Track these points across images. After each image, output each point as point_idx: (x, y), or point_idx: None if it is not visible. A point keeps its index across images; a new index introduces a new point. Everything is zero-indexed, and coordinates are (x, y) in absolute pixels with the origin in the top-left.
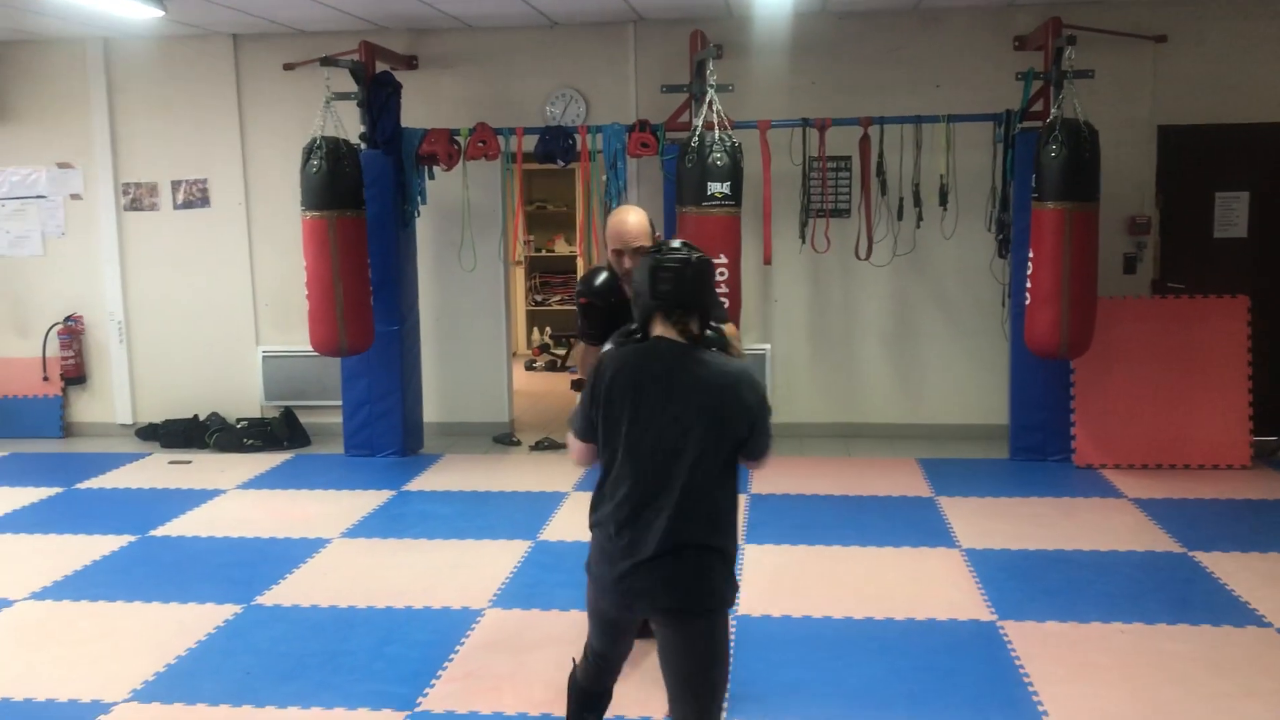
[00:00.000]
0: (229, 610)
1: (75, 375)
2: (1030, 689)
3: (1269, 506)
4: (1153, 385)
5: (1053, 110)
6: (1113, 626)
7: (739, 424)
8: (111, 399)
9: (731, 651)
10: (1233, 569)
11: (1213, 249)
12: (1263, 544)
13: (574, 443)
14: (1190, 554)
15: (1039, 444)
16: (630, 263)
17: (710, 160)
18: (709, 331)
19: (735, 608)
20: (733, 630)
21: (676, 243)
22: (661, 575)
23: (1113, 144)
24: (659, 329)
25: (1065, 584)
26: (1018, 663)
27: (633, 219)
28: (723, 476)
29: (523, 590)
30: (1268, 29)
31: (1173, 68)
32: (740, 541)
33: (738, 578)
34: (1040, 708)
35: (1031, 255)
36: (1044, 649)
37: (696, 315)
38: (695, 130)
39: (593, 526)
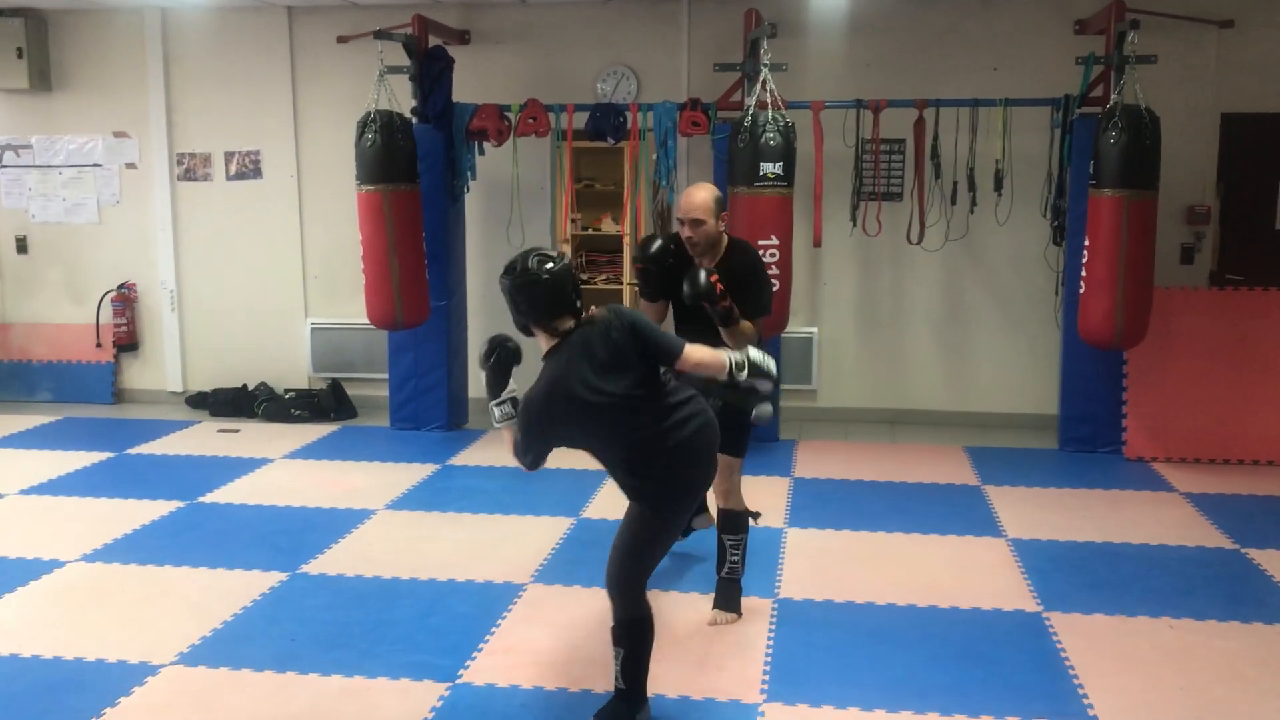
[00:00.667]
0: (274, 578)
1: (127, 342)
2: (1076, 681)
3: None
4: (1207, 378)
5: (1113, 96)
6: (1161, 621)
7: (631, 354)
8: (162, 366)
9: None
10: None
11: (1274, 241)
12: None
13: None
14: (1243, 551)
15: (1089, 435)
16: (687, 232)
17: (763, 140)
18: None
19: None
20: (774, 612)
21: (520, 261)
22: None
23: (1173, 131)
24: (544, 342)
25: (1113, 577)
26: (1063, 654)
27: (699, 195)
28: (655, 388)
29: (564, 566)
30: None
31: (1238, 54)
32: (782, 523)
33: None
34: (1085, 700)
35: (1087, 243)
36: (1090, 642)
37: (558, 317)
38: (748, 109)
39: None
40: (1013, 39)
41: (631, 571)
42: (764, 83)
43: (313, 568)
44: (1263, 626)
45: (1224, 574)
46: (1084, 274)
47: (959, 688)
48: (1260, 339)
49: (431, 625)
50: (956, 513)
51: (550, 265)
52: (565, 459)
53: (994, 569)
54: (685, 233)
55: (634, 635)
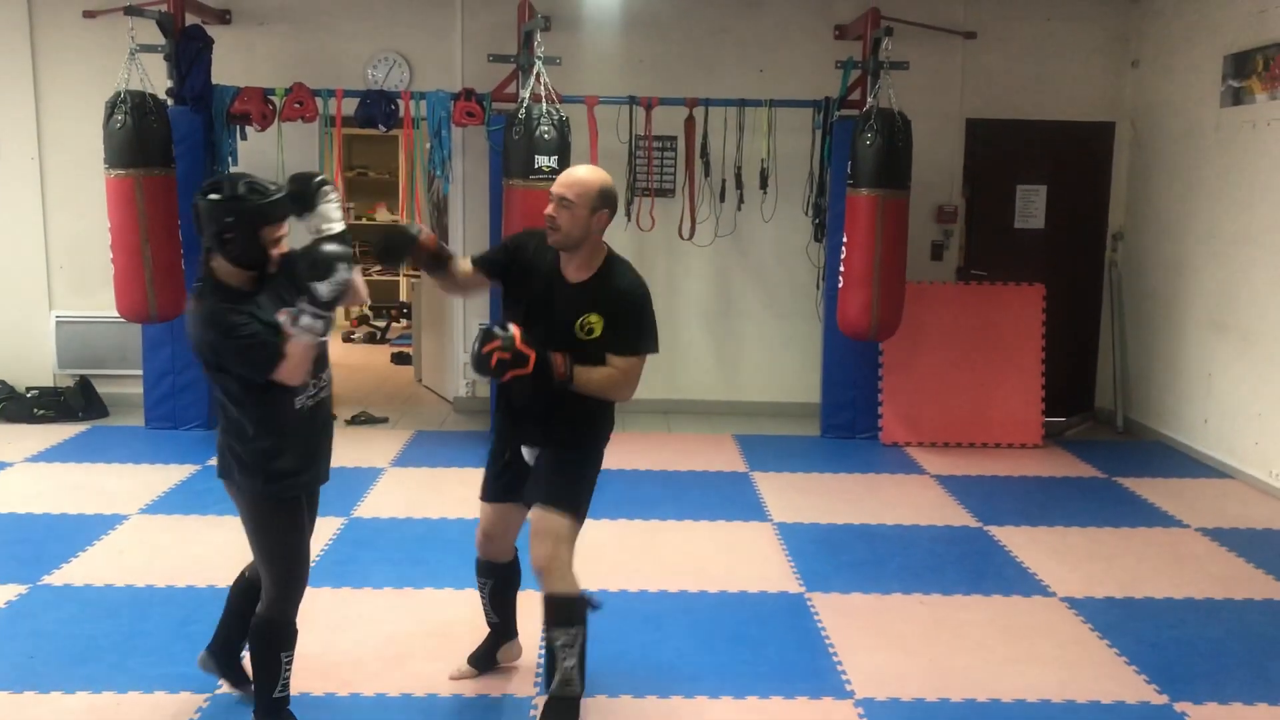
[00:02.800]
0: (12, 591)
1: None
2: (835, 658)
3: (1057, 483)
4: (955, 367)
5: (869, 99)
6: (913, 598)
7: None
8: None
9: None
10: (1023, 542)
11: (1013, 239)
12: (1050, 519)
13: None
14: (985, 528)
15: (848, 422)
16: (549, 209)
17: (538, 133)
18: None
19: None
20: None
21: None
22: None
23: (924, 135)
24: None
25: (870, 557)
26: (824, 633)
27: (579, 173)
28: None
29: (335, 568)
30: (1069, 30)
31: (981, 63)
32: None
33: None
34: (844, 676)
35: (845, 240)
36: (849, 620)
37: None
38: (522, 102)
39: None
40: (778, 42)
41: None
42: (538, 75)
43: (56, 578)
44: (1002, 599)
45: (969, 550)
46: (842, 269)
47: (727, 670)
48: (1002, 330)
49: (190, 633)
50: (727, 499)
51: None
52: (338, 456)
53: (761, 553)
54: (547, 210)
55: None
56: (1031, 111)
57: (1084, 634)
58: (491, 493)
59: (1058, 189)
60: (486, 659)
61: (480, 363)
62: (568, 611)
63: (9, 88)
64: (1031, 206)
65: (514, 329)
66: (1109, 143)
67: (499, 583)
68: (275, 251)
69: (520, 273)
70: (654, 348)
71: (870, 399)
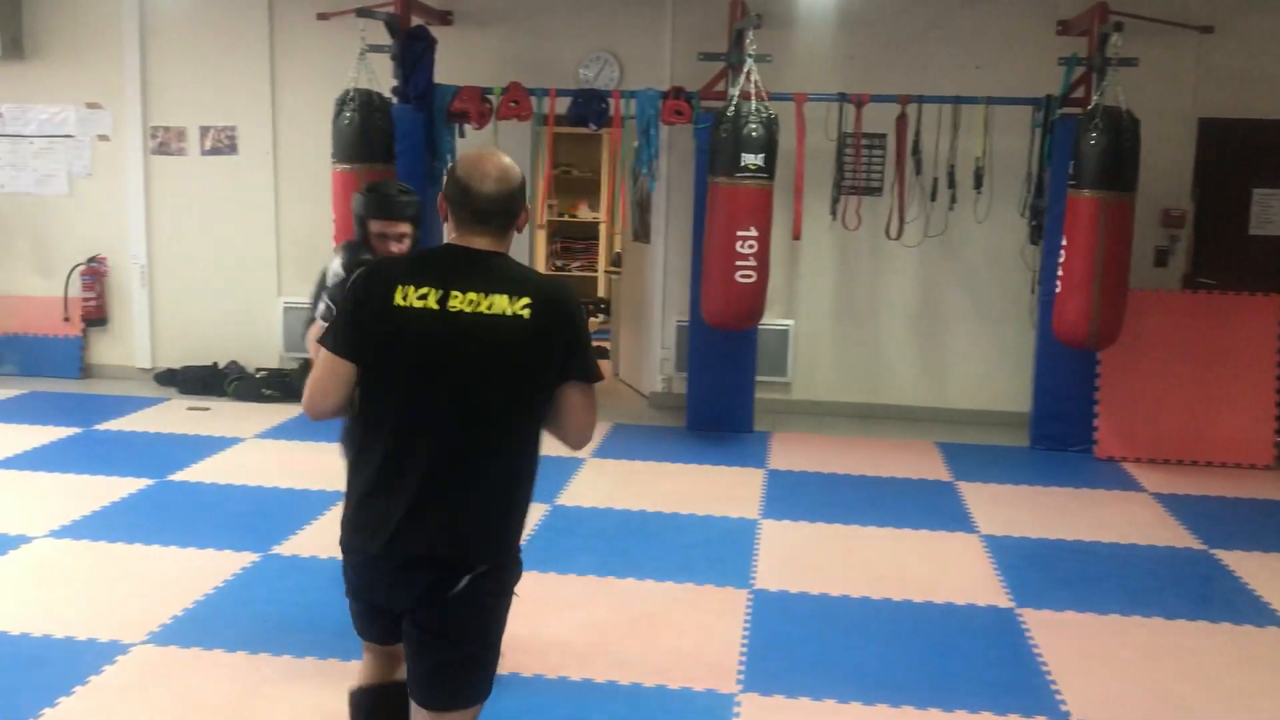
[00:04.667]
0: (246, 558)
1: (96, 317)
2: (1048, 677)
3: None
4: (1179, 380)
5: (1094, 97)
6: (1131, 619)
7: None
8: (131, 342)
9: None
10: (1254, 568)
11: (1247, 246)
12: None
13: None
14: (1211, 551)
15: (1060, 434)
16: None
17: (745, 131)
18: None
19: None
20: (749, 603)
21: None
22: None
23: (1152, 135)
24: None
25: (1084, 575)
26: (1035, 651)
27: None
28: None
29: (539, 553)
30: None
31: (1217, 60)
32: (757, 514)
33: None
34: (1058, 696)
35: (1064, 243)
36: (1062, 638)
37: None
38: (731, 100)
39: None
40: (996, 38)
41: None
42: (748, 73)
43: (285, 549)
44: (1231, 627)
45: (1193, 574)
46: (1060, 273)
47: (933, 682)
48: (1231, 343)
49: None
50: (929, 508)
51: None
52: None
53: (967, 564)
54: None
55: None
56: (1272, 110)
57: None
58: None
59: None
60: None
61: None
62: None
63: (250, 87)
64: (1269, 211)
65: None
66: None
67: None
68: (395, 248)
69: None
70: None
71: (1084, 410)
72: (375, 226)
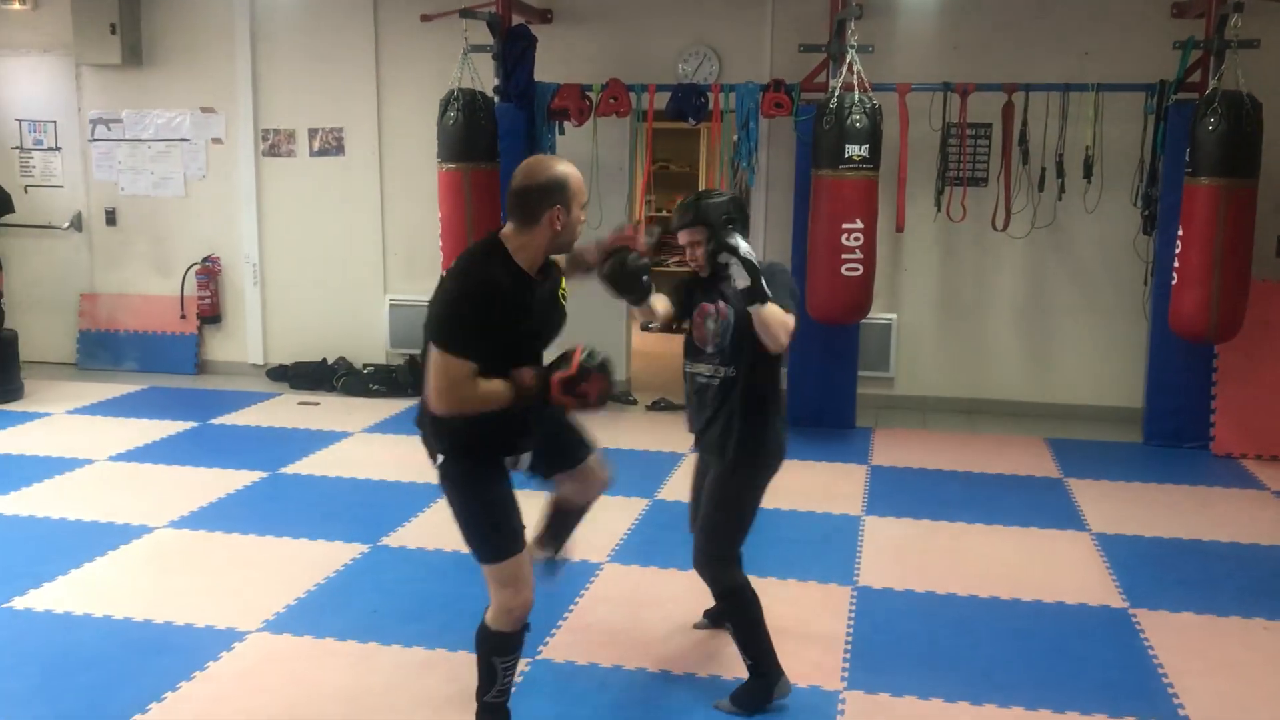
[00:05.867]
0: (356, 549)
1: (211, 314)
2: (1165, 680)
3: None
4: None
5: (1211, 81)
6: (1254, 622)
7: None
8: (244, 339)
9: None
10: None
11: None
12: None
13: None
14: None
15: (1175, 429)
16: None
17: (849, 122)
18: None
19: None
20: (853, 599)
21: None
22: None
23: (1275, 119)
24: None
25: (1202, 575)
26: (1151, 653)
27: None
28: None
29: (640, 547)
30: None
31: None
32: (860, 511)
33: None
34: (1176, 700)
35: (1181, 233)
36: (1179, 640)
37: None
38: (833, 91)
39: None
40: (1106, 22)
41: (719, 542)
42: (850, 64)
43: (393, 540)
44: None
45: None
46: (1176, 265)
47: (1044, 683)
48: None
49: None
50: (1038, 505)
51: None
52: (639, 440)
53: (1078, 563)
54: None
55: (737, 605)
56: None
57: None
58: (521, 529)
59: None
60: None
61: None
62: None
63: (357, 89)
64: None
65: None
66: None
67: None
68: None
69: (516, 315)
70: None
71: (1201, 405)
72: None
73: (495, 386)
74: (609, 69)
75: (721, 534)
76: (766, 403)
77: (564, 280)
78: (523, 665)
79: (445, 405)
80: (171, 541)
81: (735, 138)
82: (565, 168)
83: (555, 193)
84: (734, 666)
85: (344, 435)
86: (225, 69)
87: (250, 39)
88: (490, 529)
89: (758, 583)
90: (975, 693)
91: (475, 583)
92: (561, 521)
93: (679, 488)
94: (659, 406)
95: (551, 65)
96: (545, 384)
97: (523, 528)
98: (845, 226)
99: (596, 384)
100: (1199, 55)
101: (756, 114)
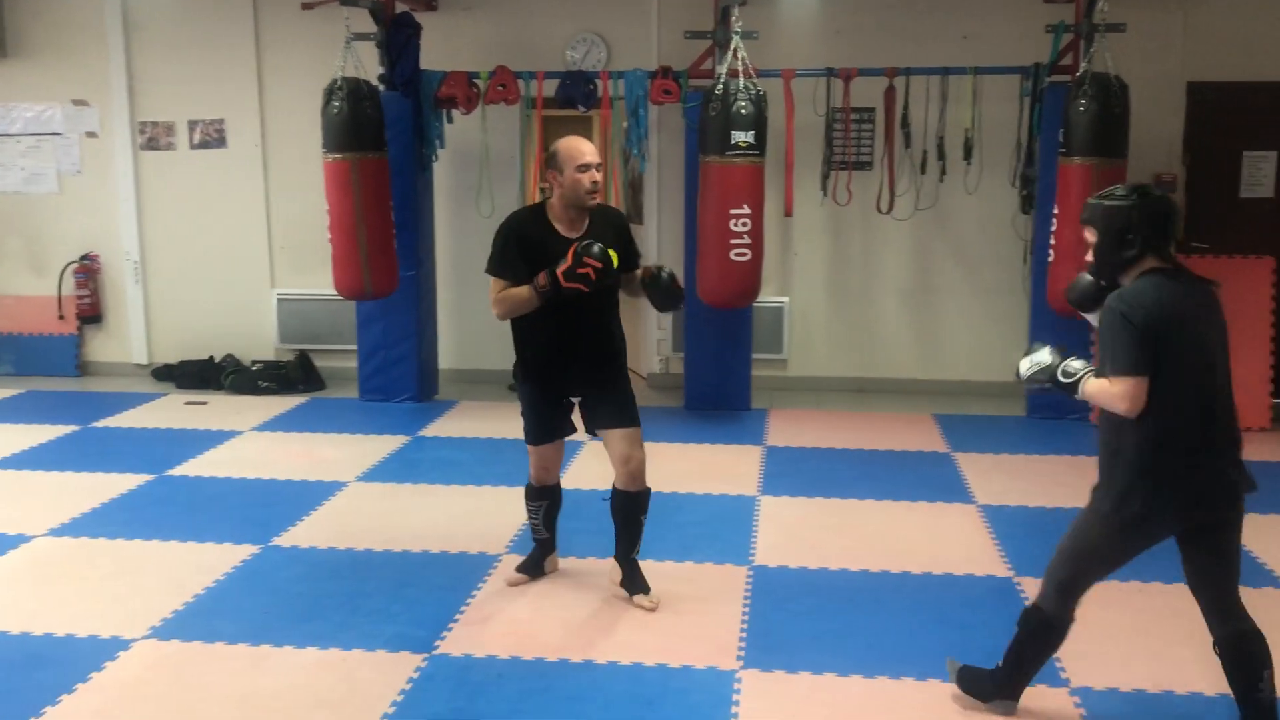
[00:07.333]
0: (247, 550)
1: (91, 314)
2: None
3: None
4: None
5: (1082, 64)
6: (1130, 585)
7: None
8: (127, 339)
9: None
10: (1250, 530)
11: (1238, 209)
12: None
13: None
14: None
15: (1056, 402)
16: (597, 176)
17: (735, 109)
18: None
19: None
20: (749, 579)
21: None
22: None
23: (1141, 100)
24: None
25: None
26: None
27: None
28: None
29: None
30: None
31: (1203, 23)
32: (756, 491)
33: None
34: (1058, 663)
35: (1056, 211)
36: None
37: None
38: (720, 78)
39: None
40: (982, 7)
41: (1067, 572)
42: (735, 51)
43: (285, 540)
44: None
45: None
46: (1053, 242)
47: (934, 653)
48: (1226, 306)
49: (407, 597)
50: (927, 479)
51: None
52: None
53: (965, 535)
54: (594, 176)
55: (1030, 627)
56: (1261, 72)
57: None
58: (547, 435)
59: None
60: (536, 568)
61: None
62: (648, 500)
63: (237, 79)
64: (1259, 174)
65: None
66: None
67: (552, 504)
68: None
69: (539, 252)
70: None
71: None
72: None
73: (521, 291)
74: (496, 56)
75: None
76: None
77: (613, 252)
78: (418, 661)
79: (495, 311)
80: (51, 550)
81: (625, 125)
82: (561, 141)
83: (550, 160)
84: (631, 652)
85: (233, 434)
86: (98, 60)
87: (123, 28)
88: (526, 423)
89: (656, 566)
90: (868, 666)
91: (368, 581)
92: (620, 527)
93: (577, 476)
94: None
95: (437, 53)
96: (555, 278)
97: (550, 432)
98: (733, 212)
99: (591, 264)
100: (1070, 39)
101: (646, 101)
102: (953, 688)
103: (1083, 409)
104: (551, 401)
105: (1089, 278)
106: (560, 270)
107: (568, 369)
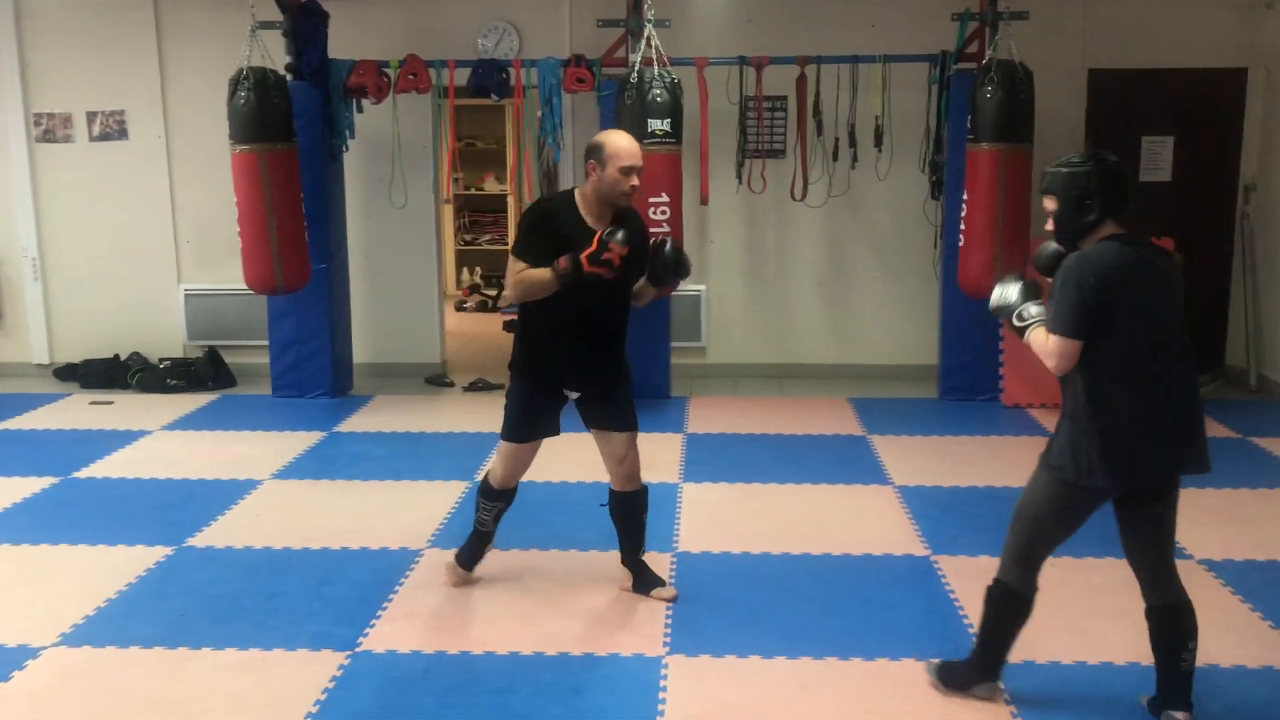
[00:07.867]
0: (160, 552)
1: None
2: (965, 621)
3: None
4: None
5: (988, 52)
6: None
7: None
8: (27, 338)
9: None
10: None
11: (1139, 192)
12: (1184, 480)
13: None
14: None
15: (968, 384)
16: (636, 181)
17: (650, 97)
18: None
19: None
20: (673, 566)
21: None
22: None
23: (1045, 87)
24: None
25: (996, 519)
26: (952, 596)
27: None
28: None
29: (461, 530)
30: None
31: (1103, 12)
32: (678, 479)
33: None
34: (972, 630)
35: (965, 197)
36: (977, 583)
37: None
38: (634, 66)
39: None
40: None
41: (1022, 540)
42: (648, 39)
43: (199, 540)
44: (1116, 560)
45: (1101, 512)
46: (963, 227)
47: (855, 631)
48: None
49: (327, 595)
50: (844, 462)
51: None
52: (458, 421)
53: (883, 516)
54: (634, 181)
55: (995, 601)
56: (1157, 60)
57: (1224, 597)
58: (532, 434)
59: (1186, 140)
60: (477, 561)
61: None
62: (646, 497)
63: (138, 69)
64: (1158, 159)
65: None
66: (1241, 90)
67: (507, 504)
68: None
69: (563, 240)
70: None
71: (991, 360)
72: None
73: (540, 273)
74: (407, 45)
75: None
76: None
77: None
78: (341, 659)
79: (510, 292)
80: None
81: (539, 114)
82: (610, 134)
83: (594, 152)
84: (557, 643)
85: (142, 434)
86: None
87: (14, 16)
88: (509, 419)
89: (579, 555)
90: (791, 647)
91: (287, 580)
92: (621, 529)
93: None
94: (477, 387)
95: (346, 41)
96: (578, 263)
97: (536, 430)
98: (652, 200)
99: (616, 251)
100: (975, 27)
101: (559, 89)
102: (925, 674)
103: (993, 390)
104: (548, 396)
105: (1053, 245)
106: (585, 254)
107: (576, 360)
